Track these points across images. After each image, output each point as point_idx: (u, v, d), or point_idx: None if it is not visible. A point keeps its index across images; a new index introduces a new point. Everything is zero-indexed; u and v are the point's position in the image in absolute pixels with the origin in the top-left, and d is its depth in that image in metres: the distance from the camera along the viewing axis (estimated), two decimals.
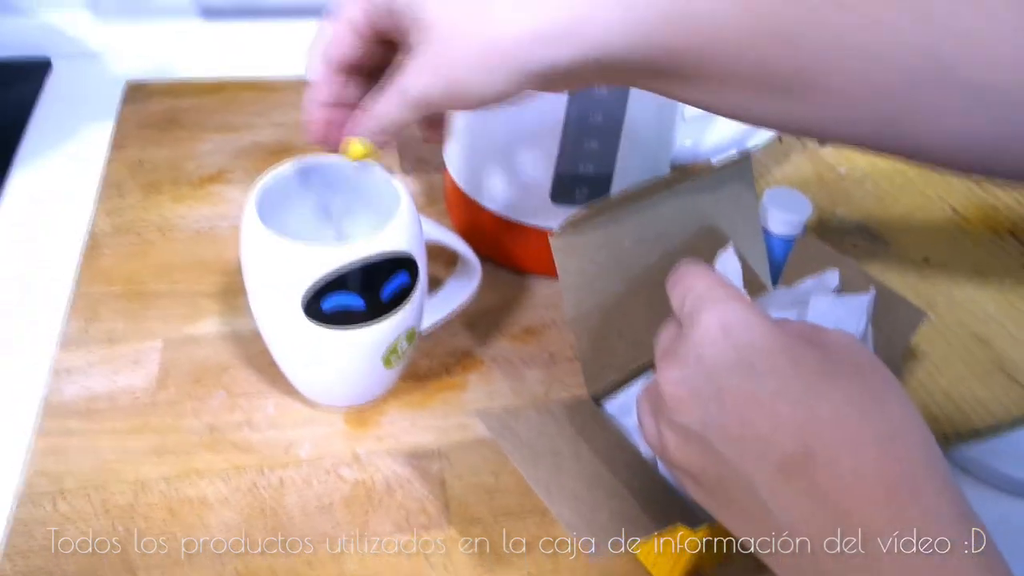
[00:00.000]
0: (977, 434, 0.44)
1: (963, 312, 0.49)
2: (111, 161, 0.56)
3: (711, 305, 0.27)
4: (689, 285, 0.29)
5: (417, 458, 0.41)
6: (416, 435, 0.42)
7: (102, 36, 0.68)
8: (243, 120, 0.61)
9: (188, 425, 0.41)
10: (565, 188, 0.46)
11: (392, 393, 0.44)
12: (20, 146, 0.58)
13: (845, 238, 0.55)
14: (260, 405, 0.42)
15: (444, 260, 0.50)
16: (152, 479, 0.38)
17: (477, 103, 0.29)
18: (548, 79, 0.28)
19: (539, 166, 0.45)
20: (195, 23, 0.70)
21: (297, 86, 0.65)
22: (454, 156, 0.51)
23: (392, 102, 0.30)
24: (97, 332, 0.45)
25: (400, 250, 0.36)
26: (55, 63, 0.65)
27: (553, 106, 0.42)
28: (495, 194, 0.48)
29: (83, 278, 0.48)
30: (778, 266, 0.46)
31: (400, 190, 0.37)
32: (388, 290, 0.36)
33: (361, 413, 0.42)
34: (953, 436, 0.44)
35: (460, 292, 0.45)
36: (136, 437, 0.40)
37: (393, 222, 0.35)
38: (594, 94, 0.42)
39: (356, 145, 0.33)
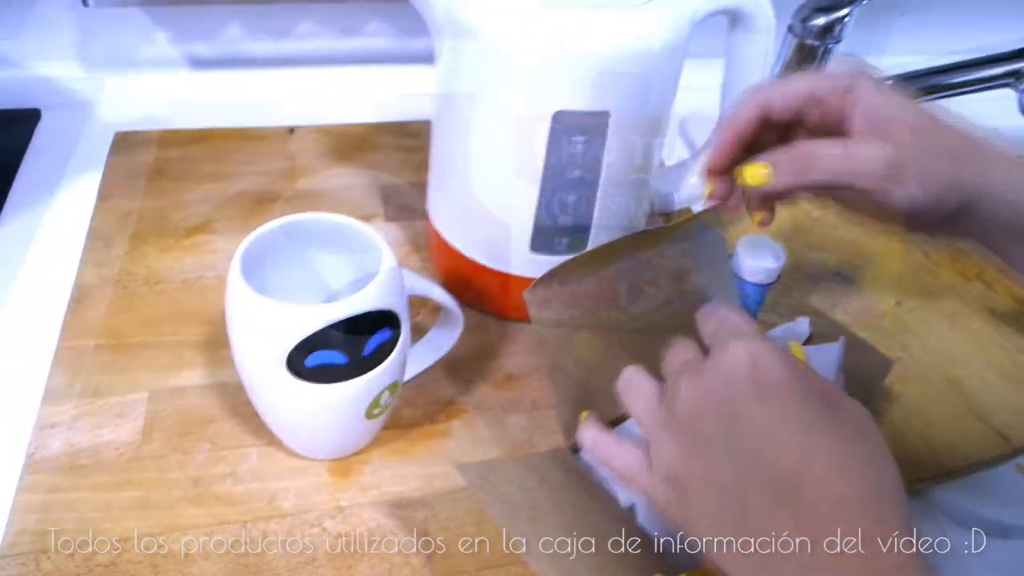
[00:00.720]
0: (951, 475, 0.45)
1: (935, 355, 0.50)
2: (99, 211, 0.57)
3: (745, 339, 0.30)
4: (724, 318, 0.32)
5: (401, 508, 0.41)
6: (400, 484, 0.42)
7: (92, 87, 0.69)
8: (230, 169, 0.62)
9: (172, 478, 0.41)
10: (545, 238, 0.47)
11: (376, 442, 0.44)
12: (8, 196, 0.58)
13: (820, 282, 0.56)
14: (244, 456, 0.43)
15: (428, 308, 0.51)
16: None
17: (901, 199, 0.33)
18: (955, 210, 0.33)
19: (519, 216, 0.46)
20: (183, 74, 0.72)
21: (281, 135, 0.66)
22: (436, 205, 0.52)
23: (835, 153, 0.33)
24: (82, 385, 0.45)
25: (382, 307, 0.36)
26: (44, 113, 0.66)
27: (532, 158, 0.43)
28: (476, 243, 0.49)
29: (69, 331, 0.48)
30: (751, 313, 0.47)
31: (383, 247, 0.38)
32: (371, 346, 0.37)
33: (345, 463, 0.43)
34: (929, 478, 0.45)
35: (443, 341, 0.46)
36: (120, 492, 0.40)
37: (376, 280, 0.36)
38: (571, 148, 0.43)
39: (760, 169, 0.34)
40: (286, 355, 0.35)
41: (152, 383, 0.46)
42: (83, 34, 0.69)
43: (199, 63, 0.72)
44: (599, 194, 0.45)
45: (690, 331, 0.33)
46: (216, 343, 0.48)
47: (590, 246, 0.48)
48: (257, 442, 0.43)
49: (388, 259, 0.37)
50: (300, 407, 0.38)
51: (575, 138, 0.42)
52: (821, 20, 0.72)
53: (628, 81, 0.41)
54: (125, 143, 0.63)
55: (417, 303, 0.50)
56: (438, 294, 0.42)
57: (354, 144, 0.66)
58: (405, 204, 0.61)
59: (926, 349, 0.51)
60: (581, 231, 0.47)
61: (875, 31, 0.85)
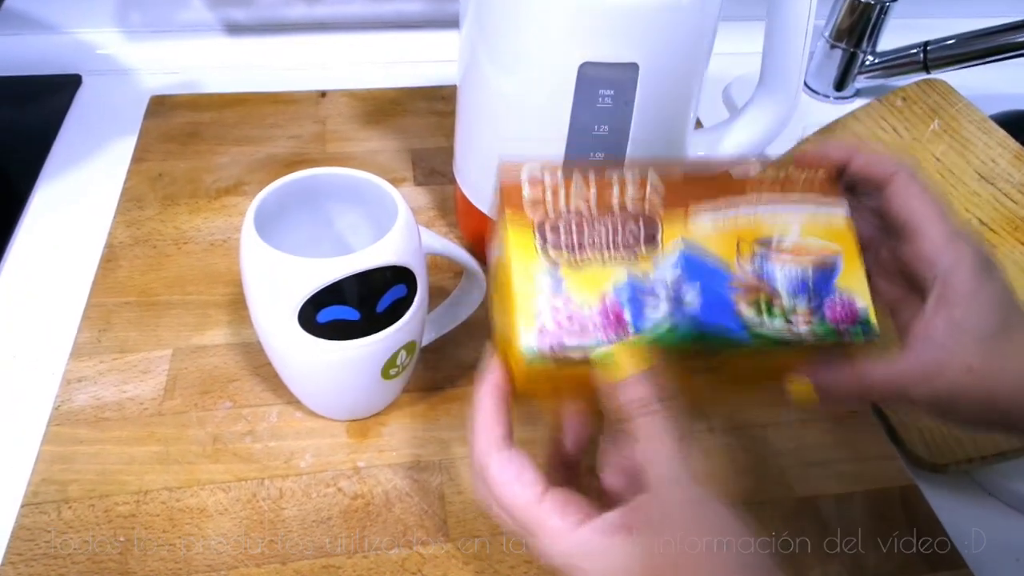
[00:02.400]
0: (1002, 456, 0.42)
1: None
2: (132, 173, 0.57)
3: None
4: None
5: (418, 471, 0.41)
6: (418, 448, 0.42)
7: (130, 52, 0.70)
8: (261, 133, 0.62)
9: (192, 435, 0.41)
10: None
11: (395, 404, 0.43)
12: (47, 158, 0.59)
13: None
14: (264, 414, 0.42)
15: (451, 271, 0.50)
16: (155, 489, 0.39)
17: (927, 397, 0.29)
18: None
19: None
20: (219, 39, 0.72)
21: (313, 98, 0.66)
22: (463, 167, 0.51)
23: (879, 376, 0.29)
24: (109, 342, 0.45)
25: (397, 262, 0.35)
26: (85, 79, 0.67)
27: (559, 117, 0.42)
28: None
29: (98, 288, 0.48)
30: None
31: (398, 201, 0.37)
32: (385, 303, 0.36)
33: (363, 424, 0.42)
34: (977, 459, 0.43)
35: (465, 304, 0.45)
36: (141, 447, 0.40)
37: (390, 234, 0.35)
38: (599, 102, 0.41)
39: (805, 388, 0.30)
40: (298, 309, 0.34)
41: (176, 341, 0.46)
42: (122, 0, 0.69)
43: (233, 28, 0.72)
44: (628, 152, 0.43)
45: None
46: (240, 303, 0.48)
47: None
48: (277, 401, 0.43)
49: (404, 214, 0.36)
50: (313, 363, 0.37)
51: (603, 91, 0.41)
52: None
53: (658, 31, 0.39)
54: (160, 106, 0.64)
55: (442, 266, 0.49)
56: (457, 253, 0.41)
57: (385, 108, 0.65)
58: (435, 168, 0.60)
59: None
60: None
61: None
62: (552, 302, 0.27)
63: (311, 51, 0.71)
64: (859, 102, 0.73)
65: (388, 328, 0.37)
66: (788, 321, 0.28)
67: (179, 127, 0.62)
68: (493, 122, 0.45)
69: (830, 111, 0.71)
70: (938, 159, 0.55)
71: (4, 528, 0.37)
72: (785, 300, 0.28)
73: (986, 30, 0.66)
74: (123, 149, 0.60)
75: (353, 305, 0.35)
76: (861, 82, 0.73)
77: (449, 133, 0.63)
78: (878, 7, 0.70)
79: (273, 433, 0.42)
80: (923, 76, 0.67)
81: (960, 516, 0.41)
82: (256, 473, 0.40)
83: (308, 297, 0.34)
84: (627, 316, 0.27)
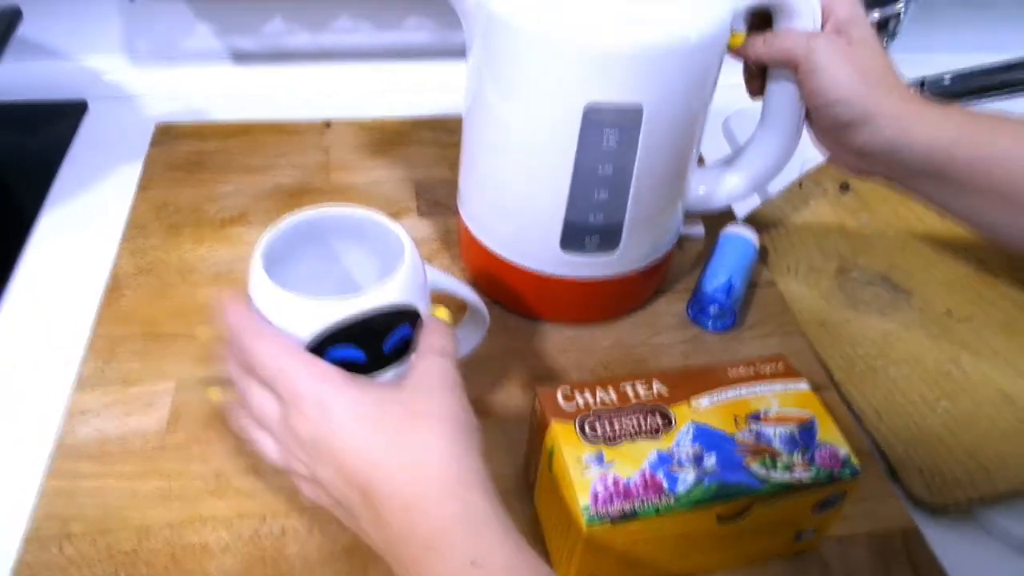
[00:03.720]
0: (1000, 498, 0.42)
1: (988, 367, 0.48)
2: (138, 201, 0.58)
3: (307, 387, 0.32)
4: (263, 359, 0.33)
5: None
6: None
7: (136, 79, 0.70)
8: (265, 162, 0.62)
9: (195, 470, 0.41)
10: (575, 237, 0.46)
11: None
12: (53, 184, 0.60)
13: (866, 287, 0.54)
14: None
15: (454, 305, 0.50)
16: (157, 525, 0.38)
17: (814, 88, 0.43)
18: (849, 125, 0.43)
19: (549, 214, 0.45)
20: (224, 67, 0.72)
21: (318, 128, 0.66)
22: (467, 201, 0.51)
23: (799, 43, 0.43)
24: (113, 373, 0.45)
25: (403, 302, 0.36)
26: (91, 105, 0.68)
27: (563, 155, 0.42)
28: (505, 240, 0.48)
29: (103, 318, 0.49)
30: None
31: (405, 240, 0.37)
32: (391, 343, 0.36)
33: None
34: (977, 500, 0.43)
35: (468, 340, 0.45)
36: (144, 482, 0.40)
37: (396, 274, 0.36)
38: (604, 142, 0.42)
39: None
40: (305, 345, 0.34)
41: (180, 373, 0.46)
42: (129, 27, 0.70)
43: (240, 57, 0.73)
44: (632, 191, 0.44)
45: None
46: None
47: (622, 246, 0.46)
48: None
49: (410, 254, 0.37)
50: None
51: (608, 132, 0.41)
52: (875, 15, 0.69)
53: (663, 73, 0.40)
54: (166, 135, 0.64)
55: (445, 300, 0.50)
56: (463, 291, 0.41)
57: (389, 138, 0.66)
58: (438, 200, 0.60)
59: (978, 361, 0.48)
60: (613, 230, 0.46)
61: (932, 27, 0.81)
62: (600, 476, 0.34)
63: (316, 80, 0.72)
64: None
65: (393, 366, 0.37)
66: (790, 470, 0.36)
67: (184, 155, 0.62)
68: (498, 159, 0.46)
69: None
70: None
71: (5, 564, 0.37)
72: (784, 455, 0.36)
73: (983, 68, 0.67)
74: (129, 176, 0.60)
75: (360, 345, 0.35)
76: None
77: (453, 164, 0.64)
78: None
79: (276, 468, 0.41)
80: None
81: (961, 558, 0.41)
82: (259, 509, 0.40)
83: (315, 337, 0.34)
84: (664, 483, 0.34)
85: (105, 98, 0.68)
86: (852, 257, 0.56)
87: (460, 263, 0.55)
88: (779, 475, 0.35)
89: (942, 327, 0.50)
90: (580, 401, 0.37)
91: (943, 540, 0.42)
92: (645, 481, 0.34)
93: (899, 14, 0.69)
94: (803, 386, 0.39)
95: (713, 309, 0.51)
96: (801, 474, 0.35)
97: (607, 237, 0.46)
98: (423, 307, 0.37)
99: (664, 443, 0.36)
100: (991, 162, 0.40)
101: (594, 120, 0.41)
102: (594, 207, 0.44)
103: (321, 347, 0.35)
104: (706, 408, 0.37)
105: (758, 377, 0.40)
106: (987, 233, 0.44)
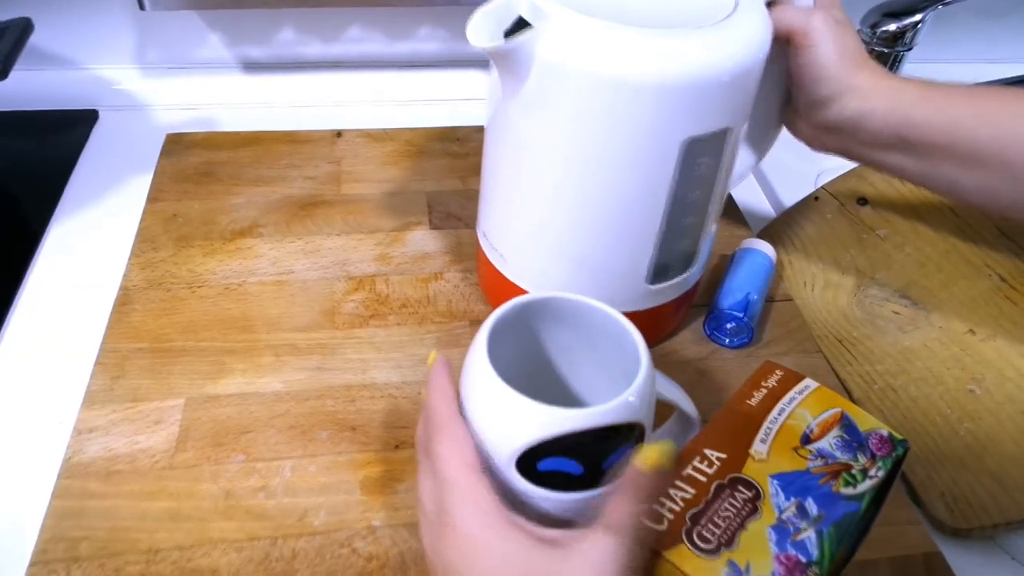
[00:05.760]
0: None
1: (1013, 388, 0.47)
2: (147, 213, 0.57)
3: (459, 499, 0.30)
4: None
5: None
6: None
7: (147, 88, 0.70)
8: (276, 173, 0.62)
9: (204, 490, 0.40)
10: (663, 268, 0.45)
11: (407, 459, 0.43)
12: (63, 194, 0.59)
13: (885, 304, 0.53)
14: (278, 469, 0.42)
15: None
16: (166, 548, 0.38)
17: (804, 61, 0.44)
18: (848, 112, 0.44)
19: (638, 251, 0.44)
20: (235, 76, 0.72)
21: (328, 138, 0.66)
22: (509, 251, 0.47)
23: (798, 18, 0.44)
24: (122, 389, 0.45)
25: (636, 419, 0.33)
26: (102, 114, 0.68)
27: (657, 194, 0.41)
28: (570, 286, 0.43)
29: (112, 333, 0.48)
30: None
31: (642, 350, 0.34)
32: (612, 459, 0.33)
33: (378, 481, 0.42)
34: (1002, 525, 0.42)
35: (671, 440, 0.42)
36: (153, 502, 0.40)
37: (631, 390, 0.32)
38: (694, 172, 0.41)
39: None
40: (518, 453, 0.32)
41: (189, 390, 0.45)
42: (140, 37, 0.69)
43: (251, 66, 0.72)
44: (711, 207, 0.44)
45: None
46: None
47: (697, 264, 0.47)
48: (291, 455, 0.42)
49: (646, 366, 0.33)
50: (520, 501, 0.34)
51: (700, 160, 0.40)
52: (892, 26, 0.68)
53: (748, 90, 0.40)
54: (176, 145, 0.64)
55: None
56: (685, 402, 0.38)
57: (401, 149, 0.65)
58: (450, 212, 0.60)
59: (1002, 381, 0.47)
60: (693, 250, 0.46)
61: (950, 36, 0.80)
62: None
63: (327, 90, 0.72)
64: None
65: (606, 483, 0.33)
66: (867, 476, 0.36)
67: (194, 166, 0.62)
68: (574, 211, 0.43)
69: None
70: (956, 214, 0.55)
71: None
72: (853, 463, 0.36)
73: (997, 81, 0.66)
74: (139, 187, 0.60)
75: (579, 459, 0.32)
76: None
77: (464, 176, 0.63)
78: (892, 56, 0.70)
79: (287, 489, 0.41)
80: None
81: None
82: (269, 532, 0.39)
83: (534, 444, 0.31)
84: (799, 556, 0.33)
85: (116, 108, 0.68)
86: (870, 272, 0.55)
87: (472, 278, 0.54)
88: (864, 485, 0.35)
89: (964, 346, 0.49)
90: (665, 511, 0.34)
91: (966, 566, 0.41)
92: (786, 566, 0.32)
93: (916, 24, 0.68)
94: (811, 384, 0.40)
95: (730, 326, 0.51)
96: (876, 473, 0.36)
97: (687, 259, 0.46)
98: (648, 423, 0.34)
99: (768, 515, 0.34)
100: (948, 122, 0.42)
101: (691, 151, 0.39)
102: (683, 233, 0.44)
103: (536, 454, 0.32)
104: (767, 454, 0.37)
105: (774, 396, 0.39)
106: (949, 195, 0.47)
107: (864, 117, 0.44)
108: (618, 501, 0.29)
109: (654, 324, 0.49)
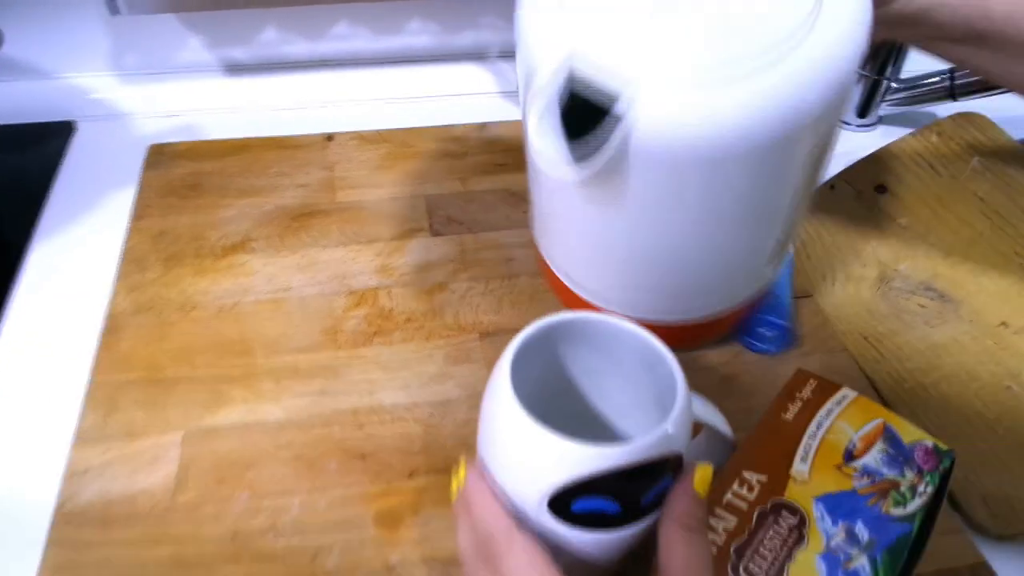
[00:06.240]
0: None
1: None
2: (132, 231, 0.54)
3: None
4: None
5: (457, 566, 0.38)
6: (453, 539, 0.38)
7: (126, 96, 0.67)
8: (267, 182, 0.59)
9: (208, 533, 0.38)
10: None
11: (423, 488, 0.40)
12: (42, 215, 0.56)
13: (911, 297, 0.51)
14: (285, 506, 0.39)
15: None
16: None
17: None
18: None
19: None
20: (218, 80, 0.69)
21: (320, 143, 0.63)
22: (598, 289, 0.44)
23: None
24: (115, 425, 0.42)
25: (675, 451, 0.30)
26: (79, 125, 0.64)
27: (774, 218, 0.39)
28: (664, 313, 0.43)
29: (102, 364, 0.45)
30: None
31: (678, 375, 0.31)
32: (651, 495, 0.30)
33: (394, 513, 0.39)
34: None
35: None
36: (154, 548, 0.37)
37: (670, 420, 0.29)
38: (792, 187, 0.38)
39: None
40: (550, 494, 0.29)
41: (187, 422, 0.43)
42: (116, 42, 0.66)
43: (234, 69, 0.69)
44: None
45: None
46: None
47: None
48: (298, 489, 0.40)
49: (683, 394, 0.30)
50: (552, 541, 0.31)
51: (801, 181, 0.38)
52: None
53: (845, 101, 0.36)
54: (160, 156, 0.61)
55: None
56: (720, 423, 0.35)
57: (395, 151, 0.63)
58: (451, 216, 0.57)
59: None
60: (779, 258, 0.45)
61: None
62: None
63: (315, 90, 0.69)
64: (881, 129, 0.71)
65: (646, 519, 0.31)
66: (916, 493, 0.34)
67: (180, 178, 0.59)
68: (655, 261, 0.40)
69: (853, 138, 0.68)
70: (982, 199, 0.52)
71: None
72: (900, 480, 0.34)
73: None
74: (121, 203, 0.57)
75: (616, 497, 0.29)
76: (884, 109, 0.70)
77: (463, 177, 0.60)
78: None
79: (296, 527, 0.39)
80: (949, 103, 0.64)
81: None
82: (279, 575, 0.37)
83: (568, 484, 0.29)
84: None
85: (93, 118, 0.65)
86: (893, 264, 0.53)
87: (479, 287, 0.52)
88: (914, 504, 0.33)
89: (997, 339, 0.47)
90: (720, 542, 0.33)
91: (1012, 572, 0.39)
92: None
93: None
94: (850, 394, 0.38)
95: (768, 331, 0.48)
96: (925, 489, 0.34)
97: (775, 262, 0.45)
98: (686, 450, 0.31)
99: (815, 543, 0.32)
100: None
101: (799, 178, 0.37)
102: (775, 248, 0.42)
103: (570, 495, 0.29)
104: (809, 474, 0.34)
105: (811, 408, 0.37)
106: None
107: (933, 8, 0.40)
108: (678, 537, 0.28)
109: (709, 331, 0.47)
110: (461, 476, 0.31)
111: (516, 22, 0.36)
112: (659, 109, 0.31)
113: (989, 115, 0.59)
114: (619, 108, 0.31)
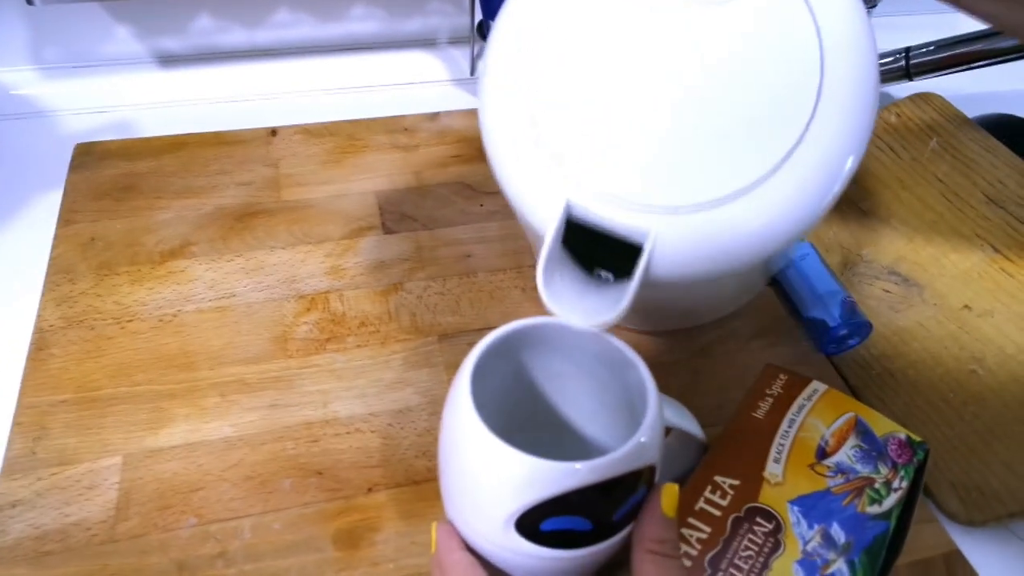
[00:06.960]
0: None
1: (1016, 365, 0.45)
2: (59, 239, 0.50)
3: None
4: None
5: None
6: (417, 557, 0.37)
7: (48, 92, 0.62)
8: (206, 181, 0.55)
9: (154, 564, 0.35)
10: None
11: (383, 504, 0.38)
12: None
13: (875, 282, 0.50)
14: (235, 530, 0.37)
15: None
16: None
17: None
18: None
19: None
20: (150, 72, 0.64)
21: (262, 137, 0.59)
22: None
23: None
24: (46, 452, 0.39)
25: (648, 463, 0.28)
26: None
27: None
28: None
29: (29, 385, 0.42)
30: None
31: (648, 382, 0.30)
32: (624, 510, 0.29)
33: (352, 532, 0.37)
34: (1019, 513, 0.40)
35: (675, 465, 0.37)
36: None
37: (642, 430, 0.28)
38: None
39: None
40: (517, 516, 0.27)
41: (126, 445, 0.40)
42: (34, 34, 0.61)
43: (166, 60, 0.65)
44: None
45: None
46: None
47: None
48: (249, 511, 0.37)
49: (655, 401, 0.29)
50: (522, 565, 0.30)
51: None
52: None
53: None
54: (87, 156, 0.57)
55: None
56: (692, 427, 0.34)
57: (343, 144, 0.60)
58: (405, 213, 0.54)
59: (1004, 359, 0.45)
60: None
61: None
62: None
63: (256, 82, 0.65)
64: None
65: (618, 535, 0.29)
66: (891, 489, 0.33)
67: (111, 179, 0.55)
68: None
69: None
70: (941, 180, 0.52)
71: None
72: (875, 476, 0.33)
73: (970, 35, 0.63)
74: (47, 208, 0.53)
75: (587, 514, 0.28)
76: None
77: (416, 171, 0.58)
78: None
79: (248, 553, 0.36)
80: (905, 83, 0.64)
81: (1000, 573, 0.39)
82: None
83: (536, 504, 0.27)
84: None
85: (14, 116, 0.60)
86: (856, 249, 0.52)
87: (436, 286, 0.49)
88: (890, 500, 0.33)
89: (960, 323, 0.47)
90: (694, 553, 0.31)
91: (985, 557, 0.39)
92: None
93: None
94: (820, 388, 0.38)
95: (837, 331, 0.46)
96: (900, 484, 0.34)
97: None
98: (659, 461, 0.30)
99: (792, 549, 0.31)
100: None
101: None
102: None
103: (539, 514, 0.27)
104: (783, 476, 0.33)
105: (782, 405, 0.36)
106: None
107: None
108: (650, 566, 0.27)
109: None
110: (432, 536, 0.30)
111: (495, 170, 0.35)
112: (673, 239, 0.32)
113: (944, 95, 0.58)
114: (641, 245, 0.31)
